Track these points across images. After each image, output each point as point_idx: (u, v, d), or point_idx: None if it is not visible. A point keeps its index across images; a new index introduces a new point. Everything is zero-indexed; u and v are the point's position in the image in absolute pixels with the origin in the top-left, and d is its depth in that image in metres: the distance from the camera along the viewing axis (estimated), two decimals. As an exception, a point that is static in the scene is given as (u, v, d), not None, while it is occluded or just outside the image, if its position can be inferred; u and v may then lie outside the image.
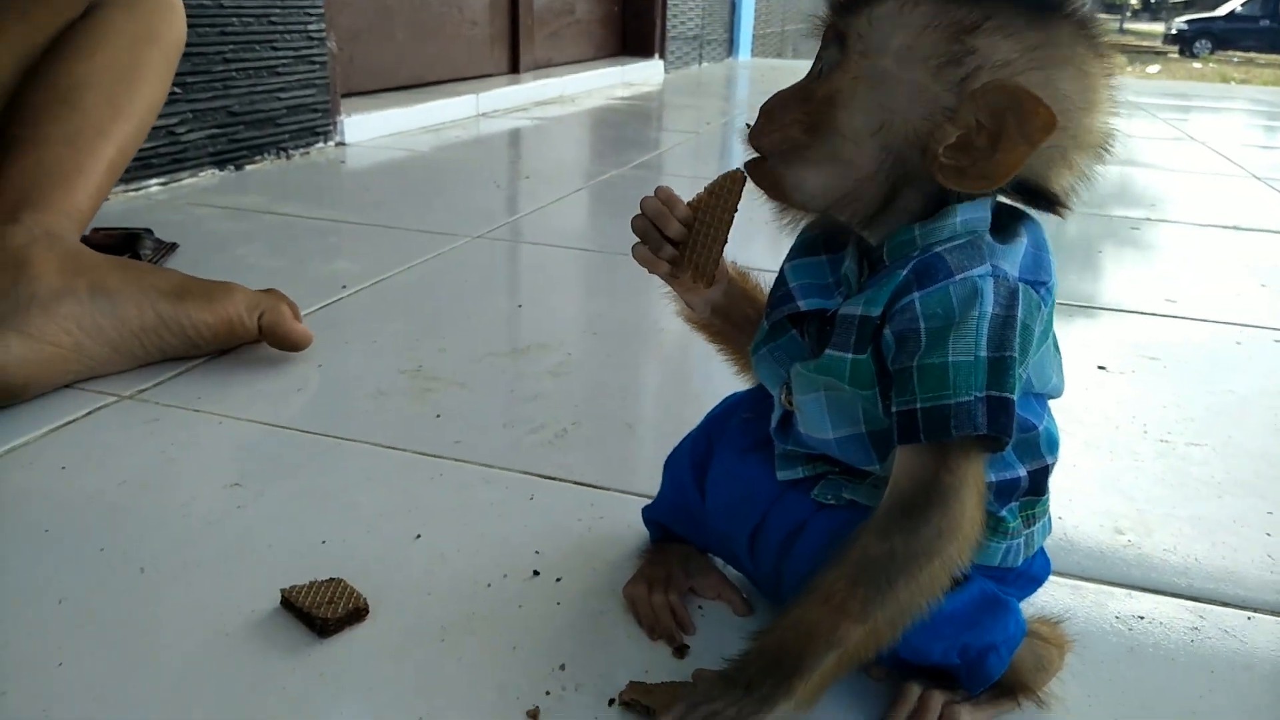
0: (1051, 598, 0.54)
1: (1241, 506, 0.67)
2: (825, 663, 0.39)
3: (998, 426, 0.39)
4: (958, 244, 0.41)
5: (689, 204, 0.45)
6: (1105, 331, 1.03)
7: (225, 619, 0.50)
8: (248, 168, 1.69)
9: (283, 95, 1.75)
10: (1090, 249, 1.41)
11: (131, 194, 1.46)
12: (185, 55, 1.49)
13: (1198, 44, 14.77)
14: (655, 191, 0.46)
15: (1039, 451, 0.44)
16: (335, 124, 1.92)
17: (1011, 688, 0.46)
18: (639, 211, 0.46)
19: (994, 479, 0.43)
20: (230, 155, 1.65)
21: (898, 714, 0.44)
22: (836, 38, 0.41)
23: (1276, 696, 0.49)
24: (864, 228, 0.43)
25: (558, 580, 0.55)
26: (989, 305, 0.39)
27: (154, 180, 1.50)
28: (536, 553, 0.57)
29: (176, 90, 1.51)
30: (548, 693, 0.46)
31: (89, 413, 0.74)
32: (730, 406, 0.53)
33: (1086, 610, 0.54)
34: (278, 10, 1.72)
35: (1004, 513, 0.44)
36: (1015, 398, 0.39)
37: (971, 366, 0.39)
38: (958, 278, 0.40)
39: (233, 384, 0.80)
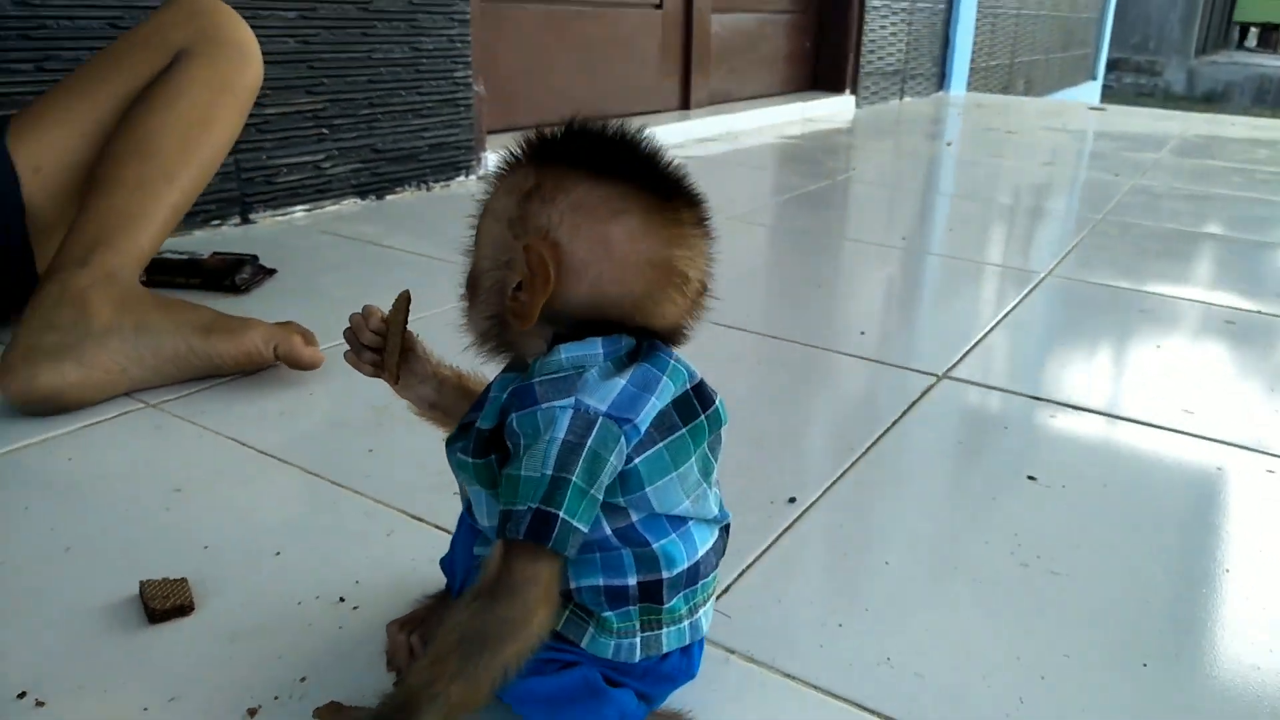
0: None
1: (1033, 647, 0.68)
2: (433, 711, 0.49)
3: (536, 536, 0.46)
4: (555, 376, 0.49)
5: (382, 318, 0.56)
6: (1081, 437, 1.01)
7: (95, 595, 0.66)
8: (388, 197, 1.92)
9: (425, 134, 1.97)
10: (1150, 340, 1.34)
11: (279, 219, 1.72)
12: (333, 100, 1.74)
13: None
14: (362, 308, 0.57)
15: (654, 567, 0.51)
16: (478, 159, 2.12)
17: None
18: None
19: (602, 583, 0.50)
20: (372, 186, 1.89)
21: None
22: (479, 204, 0.51)
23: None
24: (513, 359, 0.52)
25: (354, 608, 0.66)
26: (560, 432, 0.47)
27: (299, 207, 1.76)
28: (356, 582, 0.69)
29: (324, 131, 1.76)
30: (275, 697, 0.58)
31: (117, 415, 0.94)
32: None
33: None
34: (425, 60, 1.94)
35: (607, 613, 0.51)
36: (565, 514, 0.46)
37: (534, 482, 0.46)
38: (542, 406, 0.48)
39: (236, 402, 0.97)
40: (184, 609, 0.65)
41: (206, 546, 0.73)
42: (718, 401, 0.54)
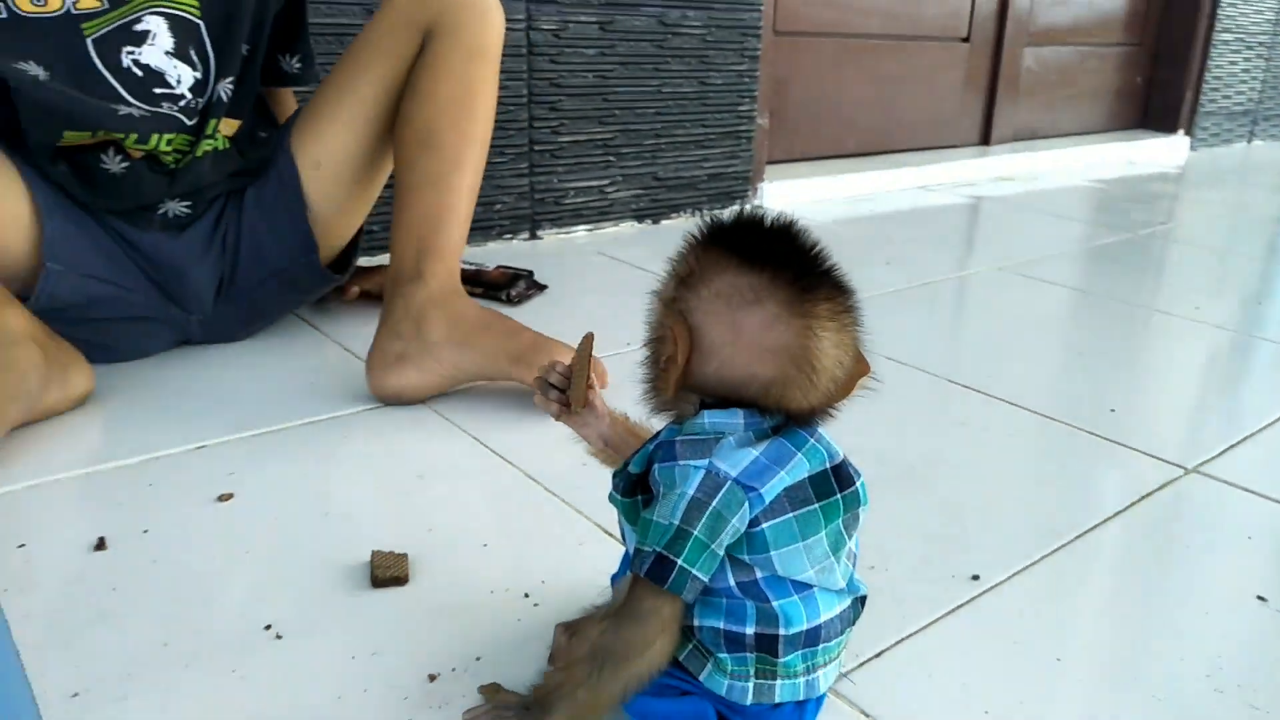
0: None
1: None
2: (563, 709, 0.56)
3: (655, 576, 0.51)
4: (696, 438, 0.54)
5: (568, 364, 0.63)
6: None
7: (337, 555, 0.79)
8: (664, 222, 2.04)
9: (705, 164, 2.07)
10: None
11: (562, 237, 1.88)
12: (622, 130, 1.88)
13: None
14: (550, 361, 0.65)
15: (770, 622, 0.54)
16: (754, 189, 2.19)
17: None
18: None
19: (722, 626, 0.55)
20: (650, 211, 2.02)
21: None
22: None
23: None
24: (674, 416, 0.57)
25: (535, 605, 0.75)
26: (691, 489, 0.52)
27: (582, 227, 1.92)
28: (542, 582, 0.78)
29: (611, 159, 1.90)
30: (453, 669, 0.67)
31: (388, 406, 1.10)
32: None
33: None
34: (713, 94, 2.03)
35: (723, 655, 0.55)
36: (684, 562, 0.51)
37: (662, 529, 0.52)
38: (680, 462, 0.53)
39: (484, 406, 1.10)
40: (400, 580, 0.76)
41: (430, 529, 0.85)
42: (859, 484, 0.57)
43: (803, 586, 0.55)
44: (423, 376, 1.09)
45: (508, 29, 1.66)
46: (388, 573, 0.77)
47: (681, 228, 2.03)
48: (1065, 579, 0.83)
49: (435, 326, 1.08)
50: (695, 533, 0.51)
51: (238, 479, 0.91)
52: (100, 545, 0.79)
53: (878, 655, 0.71)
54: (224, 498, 0.87)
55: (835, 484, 0.55)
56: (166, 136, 1.11)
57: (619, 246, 1.84)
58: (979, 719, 0.66)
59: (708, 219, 0.55)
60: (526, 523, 0.87)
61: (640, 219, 2.00)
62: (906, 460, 1.03)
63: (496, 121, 1.70)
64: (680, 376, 0.54)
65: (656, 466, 0.54)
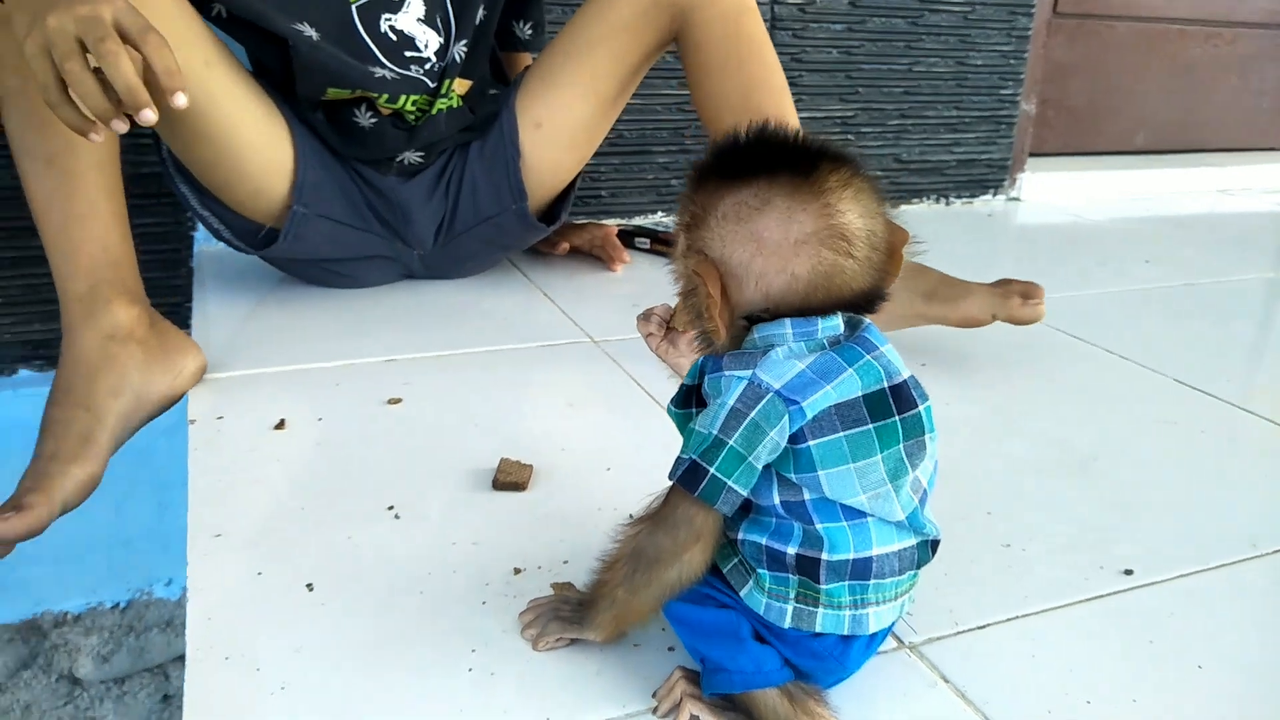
0: None
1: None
2: (605, 607, 0.57)
3: (685, 482, 0.51)
4: (744, 353, 0.52)
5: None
6: None
7: (471, 458, 0.84)
8: (903, 207, 1.96)
9: (956, 149, 1.96)
10: None
11: (792, 213, 1.86)
12: (864, 108, 1.82)
13: None
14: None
15: (815, 544, 0.52)
16: (1013, 180, 2.05)
17: (754, 721, 0.54)
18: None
19: (764, 542, 0.53)
20: (888, 194, 1.94)
21: (661, 688, 0.57)
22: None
23: None
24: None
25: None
26: (731, 398, 0.50)
27: (813, 205, 1.88)
28: (651, 507, 0.78)
29: (850, 137, 1.85)
30: (539, 567, 0.69)
31: (566, 344, 1.14)
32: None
33: None
34: (971, 75, 1.92)
35: (762, 571, 0.53)
36: (717, 471, 0.50)
37: (701, 437, 0.51)
38: (725, 373, 0.51)
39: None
40: (518, 486, 0.80)
41: (563, 449, 0.88)
42: (922, 409, 0.53)
43: (854, 514, 0.52)
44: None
45: (747, 1, 1.67)
46: (508, 478, 0.80)
47: (923, 214, 1.93)
48: (1242, 590, 0.71)
49: None
50: (731, 443, 0.50)
51: (411, 388, 0.99)
52: (280, 425, 0.89)
53: (981, 627, 0.65)
54: (393, 401, 0.96)
55: (894, 405, 0.52)
56: (412, 98, 1.22)
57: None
58: (1078, 708, 0.58)
59: (690, 168, 0.54)
60: (654, 457, 0.87)
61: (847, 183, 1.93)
62: (1089, 449, 0.93)
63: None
64: (724, 311, 0.52)
65: (706, 377, 0.53)
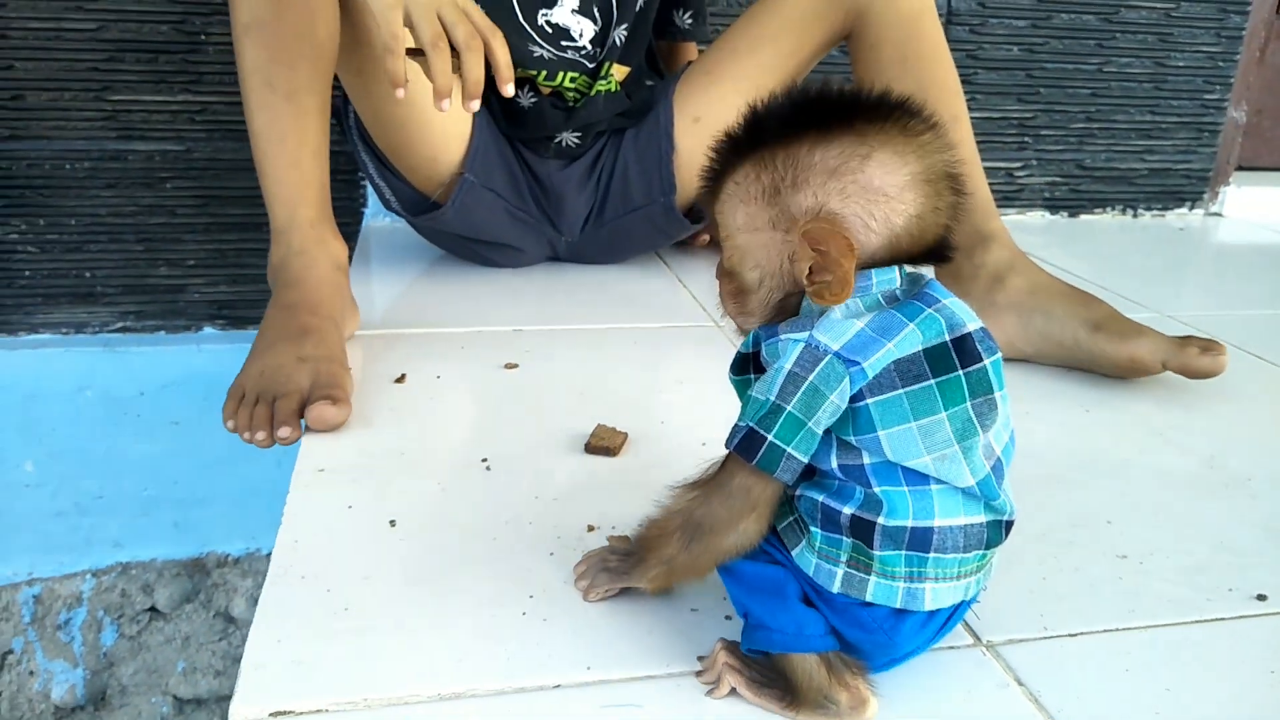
0: None
1: None
2: (657, 568, 0.56)
3: (743, 451, 0.49)
4: (800, 316, 0.51)
5: None
6: None
7: (573, 421, 0.85)
8: (1083, 216, 1.83)
9: (1148, 157, 1.82)
10: None
11: (958, 218, 1.77)
12: (1045, 110, 1.72)
13: None
14: None
15: (873, 507, 0.49)
16: (1214, 193, 1.87)
17: (791, 689, 0.51)
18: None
19: (821, 500, 0.50)
20: (1067, 202, 1.82)
21: (709, 657, 0.56)
22: (708, 213, 0.55)
23: None
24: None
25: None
26: (788, 362, 0.48)
27: (981, 210, 1.79)
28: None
29: (1026, 140, 1.75)
30: (614, 526, 0.69)
31: (692, 326, 1.14)
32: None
33: None
34: (1171, 76, 1.77)
35: (815, 529, 0.50)
36: (775, 438, 0.48)
37: (758, 404, 0.49)
38: (782, 338, 0.50)
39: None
40: (610, 451, 0.80)
41: (663, 422, 0.87)
42: (988, 362, 0.49)
43: (917, 479, 0.49)
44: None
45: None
46: (601, 442, 0.81)
47: (1106, 224, 1.80)
48: None
49: (1014, 290, 1.05)
50: (790, 408, 0.48)
51: (529, 355, 1.01)
52: (400, 379, 0.94)
53: (1072, 635, 0.60)
54: (509, 366, 0.98)
55: (957, 359, 0.48)
56: (570, 75, 1.25)
57: (1019, 234, 1.68)
58: (1166, 730, 0.52)
59: (720, 143, 0.53)
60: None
61: (1054, 209, 1.82)
62: (1244, 469, 0.83)
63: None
64: (853, 270, 0.49)
65: (764, 343, 0.51)
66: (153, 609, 1.61)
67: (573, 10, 1.24)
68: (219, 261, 1.53)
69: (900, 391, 0.48)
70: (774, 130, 0.50)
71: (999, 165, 1.76)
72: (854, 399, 0.48)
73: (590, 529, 0.69)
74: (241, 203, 1.51)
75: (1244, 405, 0.99)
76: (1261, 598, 0.64)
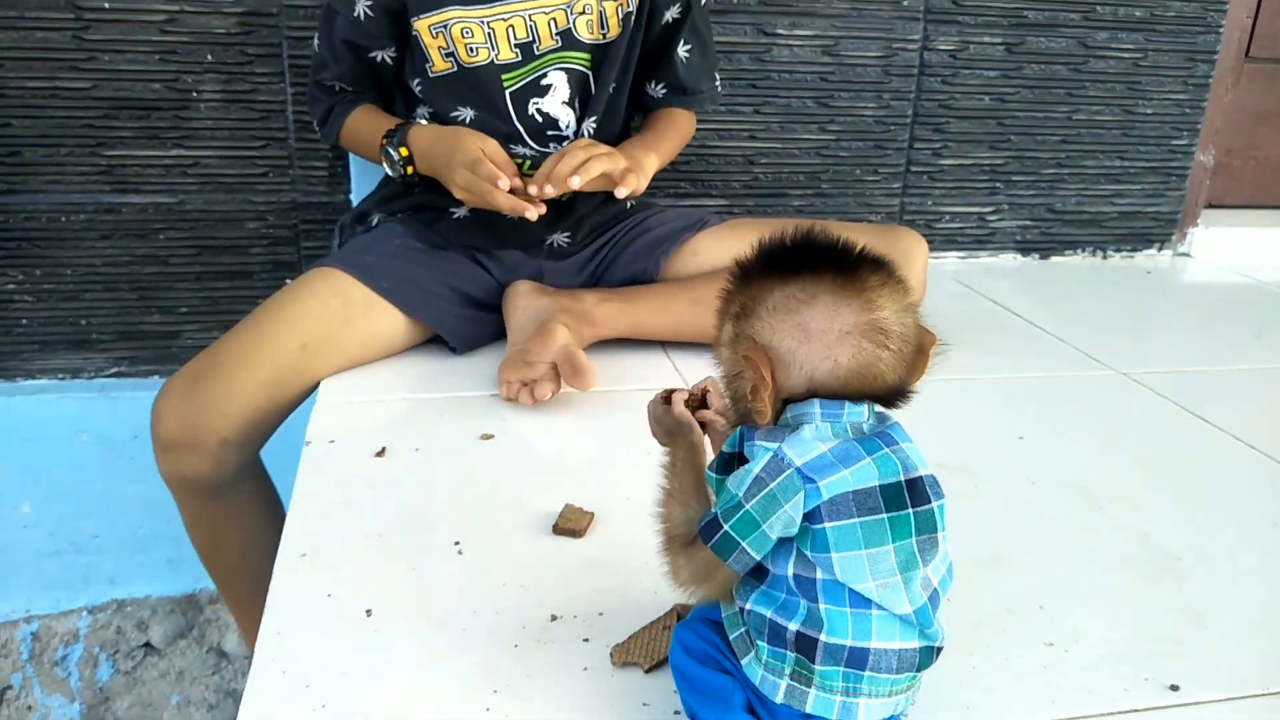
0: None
1: None
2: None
3: (704, 534, 0.55)
4: (778, 428, 0.56)
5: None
6: None
7: (541, 500, 0.90)
8: (1054, 258, 1.88)
9: (1117, 201, 1.87)
10: None
11: (932, 262, 1.82)
12: (1016, 156, 1.78)
13: None
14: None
15: (815, 624, 0.54)
16: (1182, 234, 1.92)
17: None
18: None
19: (769, 615, 0.55)
20: (1038, 245, 1.87)
21: None
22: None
23: None
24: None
25: (677, 584, 0.79)
26: (756, 466, 0.54)
27: (953, 253, 1.84)
28: (697, 567, 0.81)
29: (998, 185, 1.80)
30: (575, 616, 0.74)
31: (665, 388, 1.18)
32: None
33: None
34: (1139, 124, 1.82)
35: (761, 643, 0.56)
36: (731, 530, 0.54)
37: (728, 495, 0.55)
38: (756, 444, 0.55)
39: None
40: (575, 533, 0.85)
41: (628, 499, 0.92)
42: (935, 505, 0.55)
43: (860, 603, 0.54)
44: None
45: (900, 49, 1.66)
46: (567, 524, 0.85)
47: (1077, 266, 1.85)
48: (1303, 726, 0.67)
49: None
50: (749, 507, 0.54)
51: (505, 425, 1.06)
52: (380, 453, 0.98)
53: (995, 730, 0.65)
54: (485, 437, 1.03)
55: (909, 498, 0.54)
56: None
57: (989, 278, 1.74)
58: (1071, 830, 0.57)
59: (736, 264, 0.58)
60: (717, 514, 0.91)
61: (1025, 251, 1.87)
62: (1177, 548, 0.88)
63: (872, 139, 1.71)
64: (772, 394, 0.55)
65: (746, 444, 0.57)
66: (147, 645, 1.66)
67: (562, 101, 1.26)
68: (211, 308, 1.58)
69: (856, 521, 0.53)
70: (761, 264, 0.57)
71: (971, 210, 1.81)
72: (813, 520, 0.53)
73: (553, 619, 0.74)
74: (232, 252, 1.56)
75: (1181, 474, 1.04)
76: (1174, 688, 0.69)
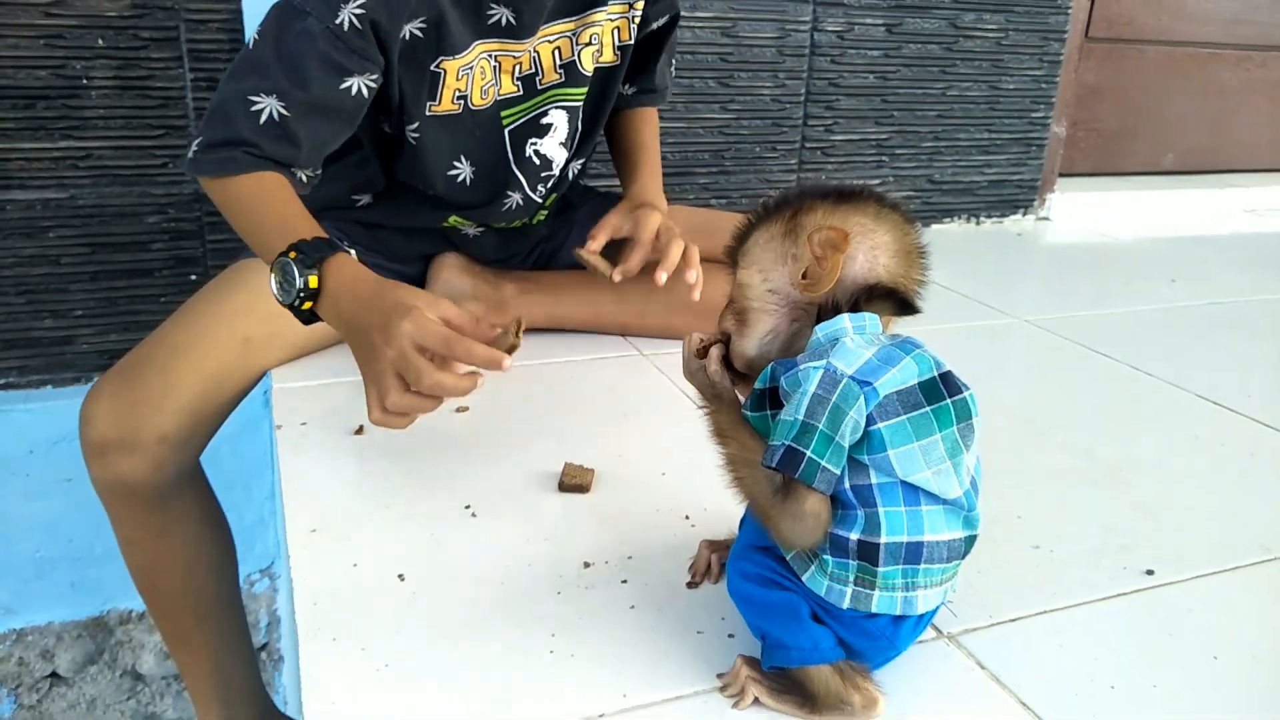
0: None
1: None
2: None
3: (784, 465, 0.57)
4: (813, 351, 0.59)
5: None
6: None
7: (539, 461, 0.91)
8: (934, 226, 2.02)
9: (987, 170, 2.02)
10: None
11: (827, 232, 1.92)
12: (898, 131, 1.89)
13: None
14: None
15: (874, 529, 0.58)
16: (1042, 200, 2.10)
17: (810, 698, 0.60)
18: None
19: (830, 530, 0.59)
20: (921, 214, 2.00)
21: (727, 674, 0.64)
22: (731, 259, 0.66)
23: None
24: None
25: (692, 526, 0.82)
26: (811, 386, 0.57)
27: (847, 224, 1.94)
28: (705, 509, 0.85)
29: (884, 159, 1.92)
30: (606, 561, 0.76)
31: (618, 356, 1.21)
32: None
33: None
34: (1003, 99, 1.98)
35: (826, 556, 0.59)
36: (812, 453, 0.56)
37: (789, 425, 0.57)
38: (801, 367, 0.58)
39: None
40: (581, 489, 0.87)
41: (620, 455, 0.94)
42: (967, 394, 0.59)
43: (913, 499, 0.58)
44: None
45: (792, 30, 1.74)
46: (573, 480, 0.87)
47: (954, 233, 1.99)
48: (1254, 590, 0.77)
49: None
50: (819, 426, 0.57)
51: (478, 397, 1.06)
52: (359, 431, 0.97)
53: (1013, 620, 0.71)
54: (460, 410, 1.03)
55: (944, 390, 0.59)
56: (523, 220, 1.24)
57: (882, 246, 1.85)
58: (1102, 692, 0.64)
59: (750, 214, 0.65)
60: (705, 464, 0.94)
61: (909, 221, 1.99)
62: (1114, 459, 0.98)
63: (769, 118, 1.78)
64: (839, 264, 0.59)
65: (783, 377, 0.60)
66: (53, 674, 1.55)
67: (560, 142, 1.19)
68: (108, 310, 1.49)
69: (904, 417, 0.58)
70: (794, 199, 0.62)
71: (860, 182, 1.91)
72: (867, 423, 0.57)
73: (587, 565, 0.76)
74: (131, 248, 1.47)
75: (1100, 400, 1.16)
76: (1150, 572, 0.78)
